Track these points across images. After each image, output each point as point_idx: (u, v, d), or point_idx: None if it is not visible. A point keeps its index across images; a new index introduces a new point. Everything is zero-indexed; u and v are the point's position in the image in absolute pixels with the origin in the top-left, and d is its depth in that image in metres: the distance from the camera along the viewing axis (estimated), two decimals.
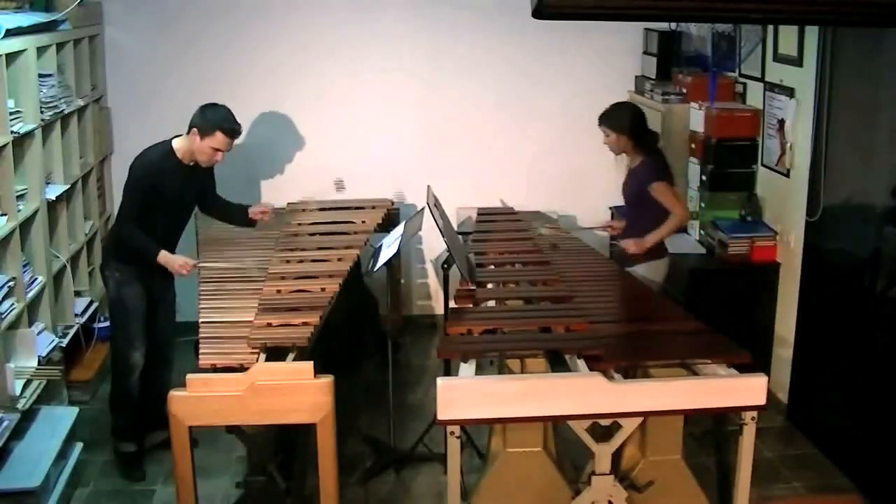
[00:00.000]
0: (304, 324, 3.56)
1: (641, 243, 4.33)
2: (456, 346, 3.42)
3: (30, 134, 4.34)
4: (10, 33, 4.10)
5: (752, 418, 3.12)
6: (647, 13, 2.84)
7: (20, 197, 4.25)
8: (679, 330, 3.51)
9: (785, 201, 4.86)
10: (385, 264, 4.19)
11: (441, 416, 3.03)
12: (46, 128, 4.61)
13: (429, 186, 4.55)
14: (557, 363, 3.28)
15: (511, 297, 3.96)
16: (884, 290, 4.16)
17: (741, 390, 3.08)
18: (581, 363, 3.20)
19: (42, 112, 4.49)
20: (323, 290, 3.92)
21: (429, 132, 5.91)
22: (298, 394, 3.16)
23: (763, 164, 5.08)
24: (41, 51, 4.54)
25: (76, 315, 4.95)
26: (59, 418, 4.23)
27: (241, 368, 3.24)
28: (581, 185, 5.89)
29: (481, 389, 3.04)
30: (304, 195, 5.46)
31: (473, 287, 3.86)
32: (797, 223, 4.71)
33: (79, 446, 4.31)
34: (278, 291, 3.92)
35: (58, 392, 4.52)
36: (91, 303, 5.18)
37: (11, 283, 4.07)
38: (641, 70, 5.88)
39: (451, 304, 3.94)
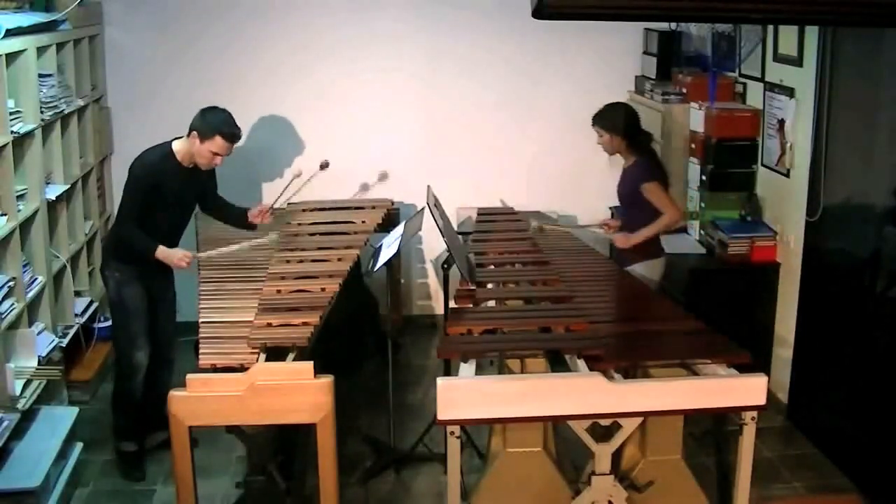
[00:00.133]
0: (304, 324, 3.56)
1: (629, 239, 4.37)
2: (456, 346, 3.42)
3: (30, 134, 4.34)
4: (10, 33, 4.10)
5: (752, 418, 3.12)
6: (647, 13, 2.84)
7: (20, 197, 4.25)
8: (679, 330, 3.51)
9: (785, 201, 4.86)
10: (385, 264, 4.18)
11: (441, 416, 3.03)
12: (46, 128, 4.61)
13: (429, 186, 4.55)
14: (557, 363, 3.28)
15: (511, 297, 3.96)
16: (884, 290, 4.16)
17: (741, 390, 3.08)
18: (581, 363, 3.20)
19: (42, 112, 4.49)
20: (323, 290, 3.92)
21: (429, 132, 5.91)
22: (298, 394, 3.16)
23: (763, 164, 5.08)
24: (41, 51, 4.54)
25: (76, 315, 4.95)
26: (59, 418, 4.23)
27: (241, 368, 3.23)
28: (581, 185, 5.88)
29: (481, 389, 3.04)
30: (305, 195, 5.45)
31: (473, 287, 3.86)
32: (797, 223, 4.71)
33: (79, 446, 4.31)
34: (278, 291, 3.91)
35: (58, 392, 4.53)
36: (91, 303, 5.18)
37: (11, 283, 4.07)
38: (641, 70, 5.88)
39: (451, 304, 3.94)
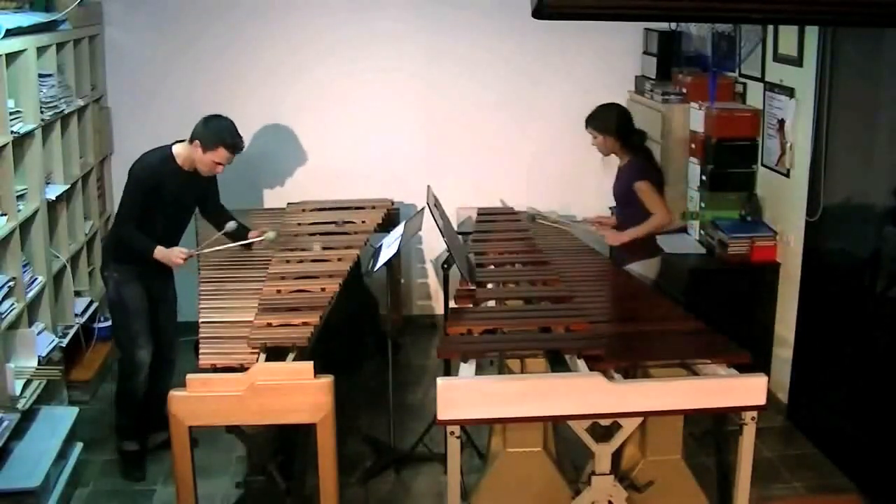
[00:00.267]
0: (304, 324, 3.56)
1: (618, 237, 4.41)
2: (456, 346, 3.42)
3: (30, 134, 4.34)
4: (10, 33, 4.10)
5: (752, 418, 3.12)
6: (647, 13, 2.84)
7: (20, 197, 4.25)
8: (679, 330, 3.52)
9: (785, 201, 4.86)
10: (385, 264, 4.18)
11: (441, 416, 3.03)
12: (46, 128, 4.61)
13: (429, 186, 4.55)
14: (557, 363, 3.28)
15: (511, 297, 3.96)
16: (884, 290, 4.16)
17: (741, 390, 3.08)
18: (581, 363, 3.20)
19: (42, 112, 4.49)
20: (323, 290, 3.92)
21: (429, 132, 5.91)
22: (298, 394, 3.16)
23: (763, 164, 5.08)
24: (41, 51, 4.54)
25: (76, 315, 4.95)
26: (59, 418, 4.23)
27: (241, 368, 3.23)
28: (581, 185, 5.88)
29: (481, 389, 3.04)
30: (304, 195, 5.46)
31: (473, 287, 3.86)
32: (797, 223, 4.71)
33: (79, 446, 4.31)
34: (278, 291, 3.92)
35: (58, 392, 4.52)
36: (91, 303, 5.18)
37: (11, 283, 4.07)
38: (641, 70, 5.88)
39: (451, 304, 3.95)
